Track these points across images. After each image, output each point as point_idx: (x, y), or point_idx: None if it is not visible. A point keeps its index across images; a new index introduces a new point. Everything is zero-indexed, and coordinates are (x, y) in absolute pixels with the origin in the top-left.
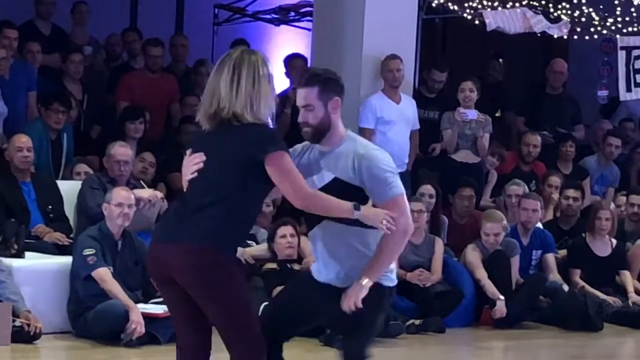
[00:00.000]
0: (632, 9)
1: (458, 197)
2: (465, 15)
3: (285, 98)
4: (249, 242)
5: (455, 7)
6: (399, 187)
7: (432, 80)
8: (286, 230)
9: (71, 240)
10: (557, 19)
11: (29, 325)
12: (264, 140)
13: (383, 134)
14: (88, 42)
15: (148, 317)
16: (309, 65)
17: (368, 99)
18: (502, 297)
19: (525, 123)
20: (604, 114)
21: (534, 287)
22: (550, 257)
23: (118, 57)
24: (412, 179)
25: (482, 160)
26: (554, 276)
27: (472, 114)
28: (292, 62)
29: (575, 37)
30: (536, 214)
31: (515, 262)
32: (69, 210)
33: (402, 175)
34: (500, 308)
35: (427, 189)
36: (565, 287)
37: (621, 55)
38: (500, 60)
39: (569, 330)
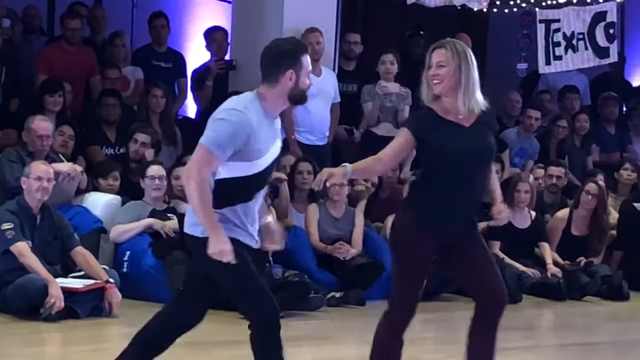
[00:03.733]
0: None
1: (385, 175)
2: None
3: (207, 70)
4: (169, 215)
5: None
6: (210, 137)
7: (348, 43)
8: None
9: None
10: None
11: None
12: None
13: (303, 107)
14: (6, 15)
15: (67, 292)
16: (229, 38)
17: None
18: None
19: None
20: (524, 87)
21: None
22: None
23: (36, 30)
24: (333, 153)
25: None
26: None
27: (393, 87)
28: (213, 34)
29: (495, 10)
30: None
31: None
32: None
33: (323, 148)
34: None
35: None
36: None
37: (540, 28)
38: (422, 32)
39: None
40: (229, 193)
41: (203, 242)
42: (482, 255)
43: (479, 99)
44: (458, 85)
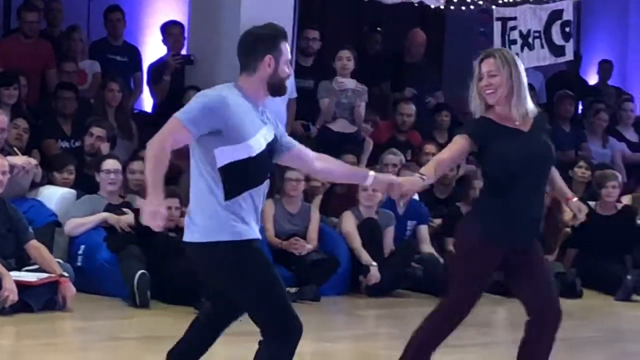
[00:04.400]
0: None
1: None
2: None
3: (163, 65)
4: (124, 210)
5: None
6: (183, 110)
7: (306, 39)
8: (172, 202)
9: None
10: None
11: None
12: None
13: None
14: None
15: (21, 285)
16: (186, 32)
17: None
18: (374, 263)
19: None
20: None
21: (406, 253)
22: (424, 229)
23: None
24: None
25: (359, 129)
26: (427, 247)
27: (349, 82)
28: (169, 29)
29: (452, 7)
30: None
31: (390, 232)
32: None
33: None
34: (374, 273)
35: None
36: (440, 257)
37: (497, 26)
38: (379, 29)
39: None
40: (237, 179)
41: (203, 248)
42: (542, 267)
43: (530, 104)
44: (510, 93)
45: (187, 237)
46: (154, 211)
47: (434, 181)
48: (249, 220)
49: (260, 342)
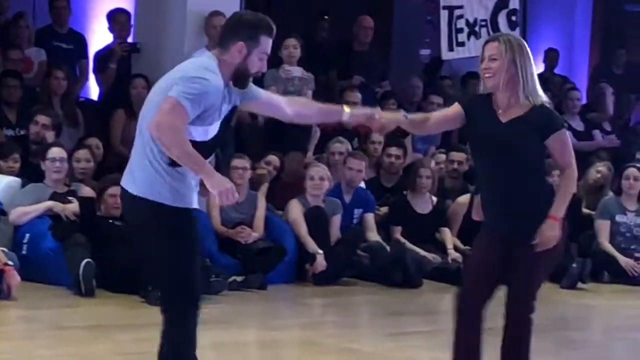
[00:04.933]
0: None
1: (288, 160)
2: None
3: (109, 52)
4: (70, 198)
5: None
6: (182, 91)
7: None
8: (117, 190)
9: None
10: None
11: None
12: None
13: None
14: None
15: None
16: (132, 20)
17: (192, 55)
18: (320, 252)
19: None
20: (427, 73)
21: (351, 242)
22: (370, 217)
23: None
24: (236, 137)
25: None
26: (373, 235)
27: (296, 70)
28: (116, 16)
29: None
30: (360, 174)
31: (337, 220)
32: None
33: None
34: (321, 262)
35: (274, 159)
36: (386, 245)
37: (443, 14)
38: (326, 17)
39: (389, 287)
40: None
41: (139, 201)
42: (522, 265)
43: (540, 93)
44: (516, 80)
45: (128, 186)
46: (225, 190)
47: (415, 131)
48: (187, 190)
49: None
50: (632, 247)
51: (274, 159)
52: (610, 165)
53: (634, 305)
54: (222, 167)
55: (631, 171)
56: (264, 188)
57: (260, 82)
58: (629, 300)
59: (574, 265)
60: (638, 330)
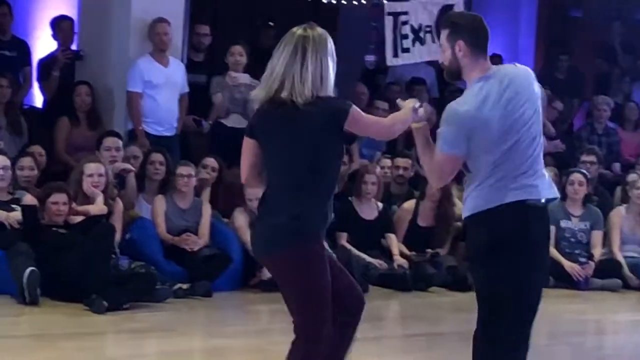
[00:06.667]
0: None
1: (229, 174)
2: None
3: (53, 60)
4: (13, 206)
5: None
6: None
7: (197, 35)
8: (60, 197)
9: None
10: None
11: None
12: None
13: (152, 98)
14: None
15: None
16: (76, 27)
17: (136, 62)
18: None
19: None
20: (372, 79)
21: None
22: None
23: None
24: (182, 144)
25: None
26: None
27: (243, 77)
28: (59, 24)
29: (345, 2)
30: None
31: None
32: None
33: (171, 139)
34: None
35: (211, 161)
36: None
37: (388, 20)
38: (271, 23)
39: None
40: None
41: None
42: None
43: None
44: None
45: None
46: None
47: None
48: None
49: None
50: (577, 251)
51: (211, 161)
52: (557, 170)
53: (579, 309)
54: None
55: (576, 176)
56: (207, 193)
57: (205, 89)
58: (574, 304)
59: None
60: (582, 335)
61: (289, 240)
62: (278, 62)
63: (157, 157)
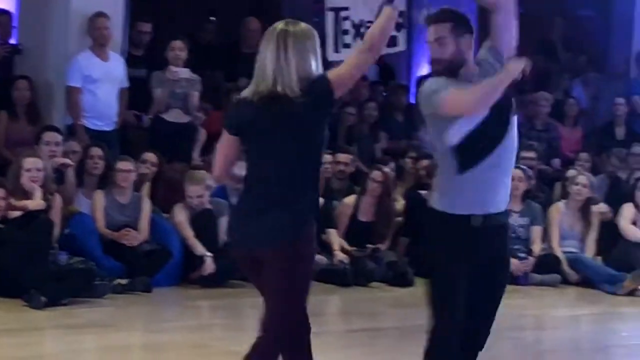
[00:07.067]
0: None
1: (169, 170)
2: None
3: None
4: None
5: None
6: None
7: (138, 32)
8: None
9: None
10: None
11: None
12: None
13: (91, 93)
14: None
15: None
16: (14, 21)
17: (75, 57)
18: (209, 254)
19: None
20: None
21: None
22: None
23: None
24: (121, 138)
25: (193, 119)
26: None
27: (183, 72)
28: None
29: None
30: None
31: (224, 222)
32: None
33: (111, 134)
34: (209, 264)
35: (150, 156)
36: None
37: (329, 16)
38: (213, 18)
39: None
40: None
41: None
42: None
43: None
44: None
45: None
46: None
47: None
48: None
49: None
50: (516, 247)
51: (150, 156)
52: None
53: (519, 305)
54: (107, 170)
55: (515, 172)
56: (146, 188)
57: (145, 83)
58: (514, 300)
59: None
60: (522, 330)
61: (297, 232)
62: (266, 57)
63: (96, 151)
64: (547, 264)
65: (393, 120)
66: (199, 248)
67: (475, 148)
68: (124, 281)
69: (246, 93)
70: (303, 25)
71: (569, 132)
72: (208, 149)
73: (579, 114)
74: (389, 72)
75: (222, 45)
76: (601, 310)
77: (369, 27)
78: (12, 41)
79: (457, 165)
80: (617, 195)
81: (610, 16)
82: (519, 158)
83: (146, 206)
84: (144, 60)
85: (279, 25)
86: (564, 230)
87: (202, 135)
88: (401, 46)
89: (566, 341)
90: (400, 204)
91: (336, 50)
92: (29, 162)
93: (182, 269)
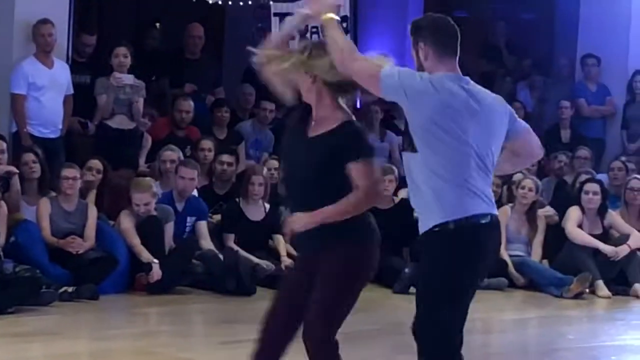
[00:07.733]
0: None
1: (114, 176)
2: None
3: None
4: None
5: None
6: None
7: (82, 44)
8: None
9: None
10: None
11: None
12: None
13: (36, 100)
14: None
15: None
16: None
17: (20, 64)
18: (156, 261)
19: (171, 86)
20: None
21: (186, 251)
22: (203, 225)
23: None
24: (67, 145)
25: (137, 125)
26: (207, 243)
27: (128, 78)
28: None
29: (230, 2)
30: (193, 182)
31: (170, 228)
32: None
33: (56, 141)
34: (157, 271)
35: (95, 163)
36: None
37: (275, 21)
38: (158, 25)
39: (222, 295)
40: None
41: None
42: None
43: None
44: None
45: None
46: None
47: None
48: None
49: None
50: None
51: (95, 163)
52: None
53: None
54: (52, 177)
55: None
56: (92, 195)
57: (89, 89)
58: None
59: (406, 270)
60: (469, 333)
61: (354, 237)
62: None
63: (28, 157)
64: (494, 267)
65: None
66: (145, 255)
67: None
68: (70, 289)
69: None
70: None
71: None
72: (153, 155)
73: (524, 118)
74: None
75: (167, 51)
76: (548, 313)
77: (314, 33)
78: None
79: None
80: (563, 198)
81: (555, 19)
82: None
83: (92, 213)
84: (88, 67)
85: None
86: (510, 233)
87: (147, 141)
88: None
89: (513, 344)
90: None
91: None
92: None
93: (128, 276)
